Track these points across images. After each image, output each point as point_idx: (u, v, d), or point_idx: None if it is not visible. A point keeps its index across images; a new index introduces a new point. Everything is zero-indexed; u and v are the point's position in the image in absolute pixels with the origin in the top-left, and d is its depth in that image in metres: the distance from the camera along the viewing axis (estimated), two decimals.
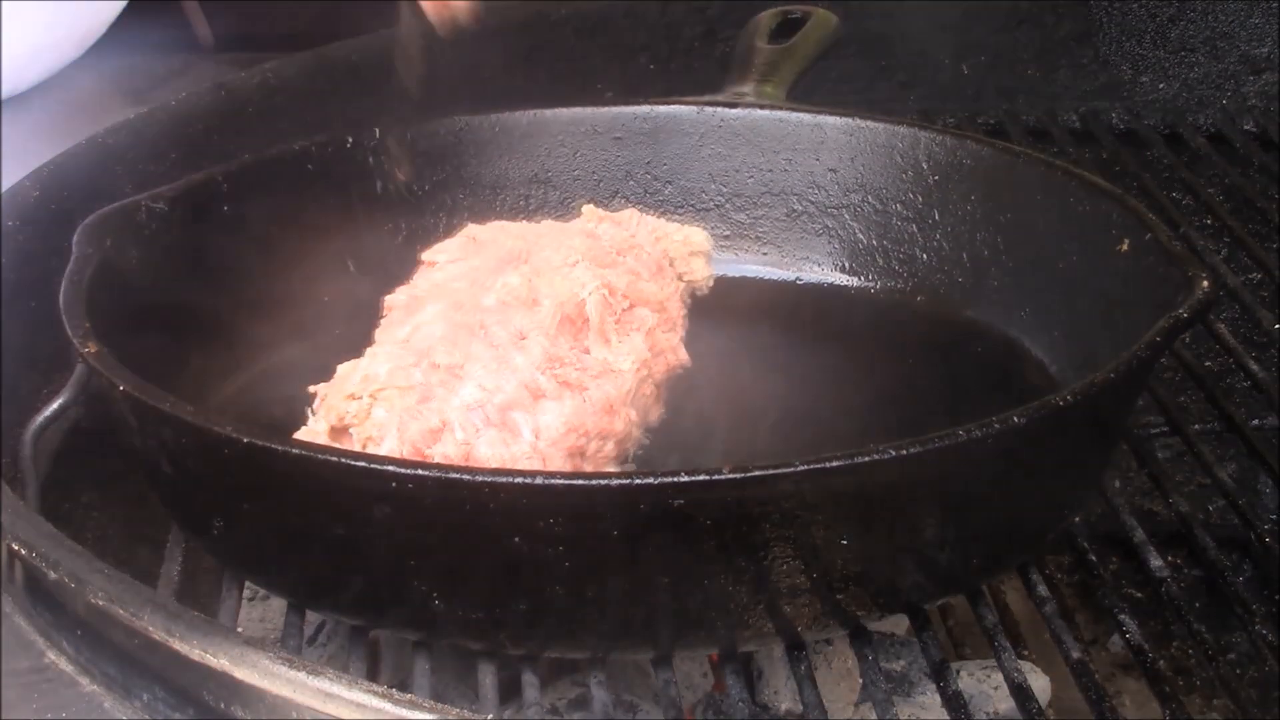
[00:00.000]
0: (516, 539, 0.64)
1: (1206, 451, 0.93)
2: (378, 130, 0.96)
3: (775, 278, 1.02)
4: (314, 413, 0.76)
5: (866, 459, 0.65)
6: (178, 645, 0.62)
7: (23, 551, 0.68)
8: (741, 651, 0.81)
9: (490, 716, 0.64)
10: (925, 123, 1.03)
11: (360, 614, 0.74)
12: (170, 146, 1.04)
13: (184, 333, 0.86)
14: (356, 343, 0.81)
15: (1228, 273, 1.11)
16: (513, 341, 0.74)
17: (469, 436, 0.71)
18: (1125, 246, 0.84)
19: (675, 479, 0.62)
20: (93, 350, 0.73)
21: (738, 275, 1.01)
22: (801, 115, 1.01)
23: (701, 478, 0.62)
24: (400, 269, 0.88)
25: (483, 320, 0.76)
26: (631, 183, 1.03)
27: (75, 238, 0.83)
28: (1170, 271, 0.79)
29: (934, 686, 0.78)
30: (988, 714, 0.87)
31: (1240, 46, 1.34)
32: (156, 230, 0.87)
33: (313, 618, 0.90)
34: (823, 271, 1.01)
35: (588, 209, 0.85)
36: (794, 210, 1.02)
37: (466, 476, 0.64)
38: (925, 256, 0.93)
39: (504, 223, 0.87)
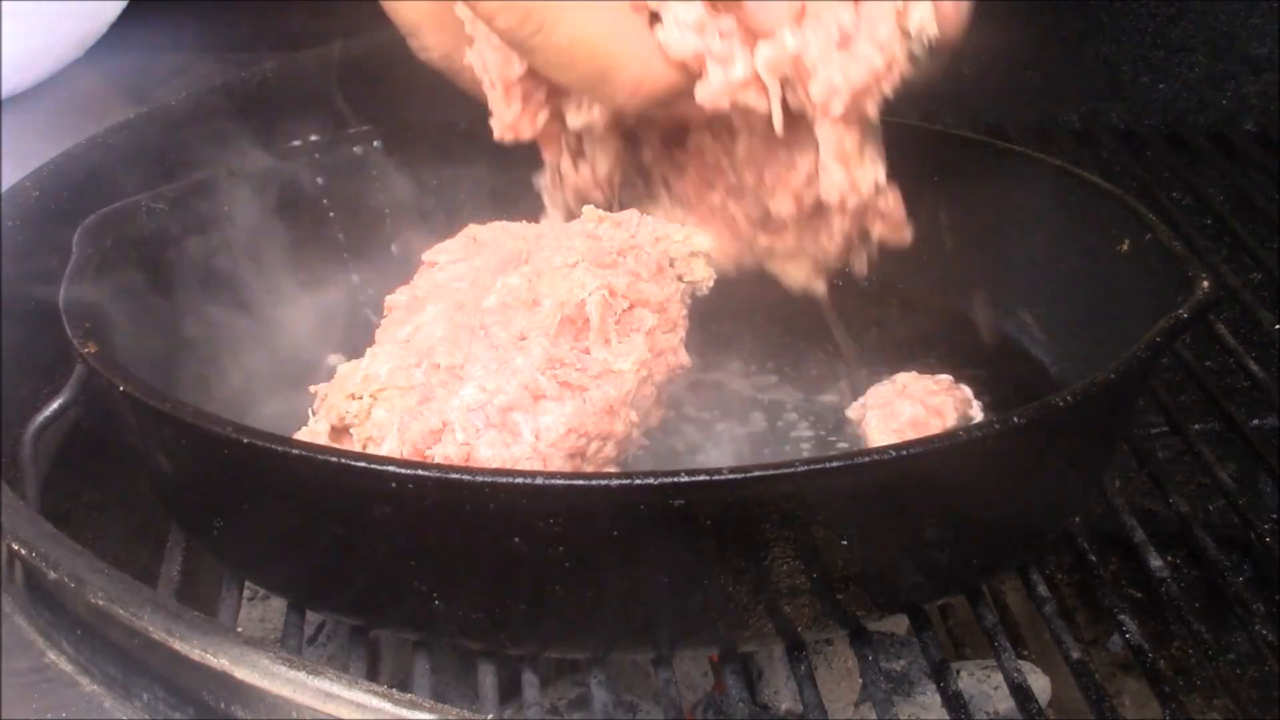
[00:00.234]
0: (516, 539, 0.64)
1: (1206, 451, 0.93)
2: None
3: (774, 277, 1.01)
4: (314, 413, 0.76)
5: (866, 459, 0.65)
6: (178, 645, 0.62)
7: (23, 551, 0.68)
8: (741, 651, 0.81)
9: (490, 716, 0.64)
10: (925, 123, 1.03)
11: (360, 614, 0.74)
12: (170, 146, 1.04)
13: (184, 332, 0.86)
14: (357, 343, 0.81)
15: (1228, 273, 1.11)
16: (513, 342, 0.74)
17: (469, 437, 0.71)
18: (1125, 246, 0.84)
19: (675, 479, 0.62)
20: (93, 350, 0.73)
21: (737, 275, 1.01)
22: None
23: (701, 478, 0.62)
24: (401, 269, 0.88)
25: (483, 321, 0.76)
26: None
27: (75, 238, 0.82)
28: (1170, 271, 0.79)
29: (934, 686, 0.79)
30: (988, 714, 0.87)
31: (1240, 46, 1.34)
32: (156, 230, 0.87)
33: (313, 618, 0.90)
34: None
35: (589, 209, 0.85)
36: None
37: (466, 477, 0.64)
38: (925, 256, 0.93)
39: (505, 223, 0.86)
